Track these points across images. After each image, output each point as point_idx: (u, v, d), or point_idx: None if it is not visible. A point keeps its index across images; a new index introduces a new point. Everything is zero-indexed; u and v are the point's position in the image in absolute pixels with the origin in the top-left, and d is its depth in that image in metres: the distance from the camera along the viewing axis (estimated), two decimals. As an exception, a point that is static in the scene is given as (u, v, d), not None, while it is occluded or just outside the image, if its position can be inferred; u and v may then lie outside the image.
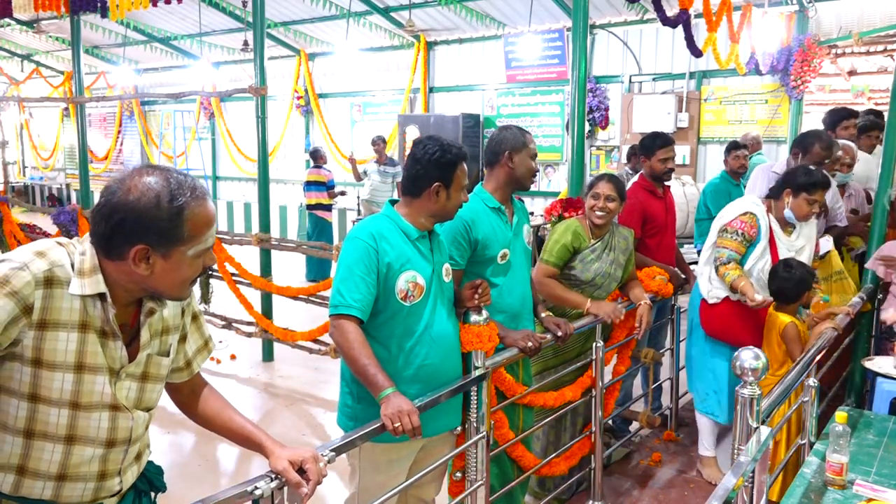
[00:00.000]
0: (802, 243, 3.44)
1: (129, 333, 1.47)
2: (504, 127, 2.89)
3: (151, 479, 1.65)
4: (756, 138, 7.00)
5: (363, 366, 2.15)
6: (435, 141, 2.35)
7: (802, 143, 3.98)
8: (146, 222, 1.34)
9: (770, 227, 3.36)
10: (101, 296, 1.40)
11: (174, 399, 1.74)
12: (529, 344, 2.66)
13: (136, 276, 1.39)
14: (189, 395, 1.73)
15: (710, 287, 3.47)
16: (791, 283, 3.25)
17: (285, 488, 1.65)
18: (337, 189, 8.91)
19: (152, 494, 1.67)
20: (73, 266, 1.37)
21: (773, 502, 2.80)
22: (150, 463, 1.67)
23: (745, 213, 3.33)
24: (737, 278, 3.22)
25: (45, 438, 1.40)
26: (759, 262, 3.34)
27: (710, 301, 3.46)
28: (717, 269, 3.34)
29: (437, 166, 2.31)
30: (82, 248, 1.40)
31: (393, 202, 2.42)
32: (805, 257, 3.42)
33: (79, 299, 1.37)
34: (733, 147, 5.13)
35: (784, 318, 3.22)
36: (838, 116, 4.77)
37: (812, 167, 3.41)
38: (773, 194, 3.40)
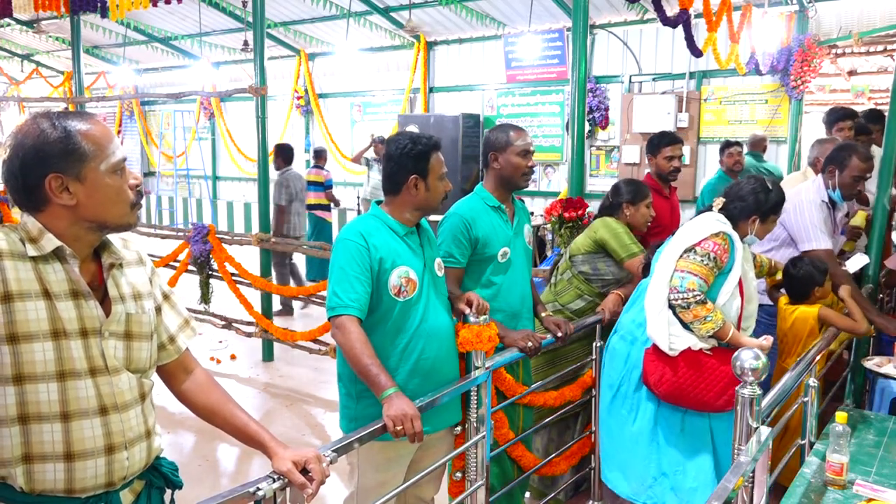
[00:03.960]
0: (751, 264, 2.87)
1: (100, 291, 1.51)
2: (494, 127, 2.90)
3: (167, 474, 1.65)
4: (763, 139, 7.08)
5: (365, 365, 2.16)
6: (405, 135, 2.39)
7: (838, 159, 3.45)
8: (42, 151, 1.41)
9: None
10: (60, 257, 1.44)
11: (173, 389, 1.73)
12: (529, 344, 2.66)
13: (71, 215, 1.44)
14: (185, 379, 1.72)
15: (668, 333, 2.56)
16: (796, 279, 3.27)
17: (288, 489, 1.65)
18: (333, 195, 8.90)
19: (168, 492, 1.67)
20: (22, 241, 1.42)
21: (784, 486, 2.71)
22: (164, 459, 1.67)
23: (717, 234, 2.60)
24: (723, 325, 2.50)
25: (40, 420, 1.41)
26: (733, 302, 2.63)
27: (670, 353, 2.56)
28: (686, 306, 2.50)
29: (411, 158, 2.34)
30: (21, 221, 1.46)
31: (378, 202, 2.44)
32: (754, 277, 2.85)
33: (32, 269, 1.41)
34: (727, 146, 5.16)
35: (810, 310, 3.23)
36: (836, 116, 4.77)
37: (770, 185, 2.76)
38: (734, 218, 2.72)
